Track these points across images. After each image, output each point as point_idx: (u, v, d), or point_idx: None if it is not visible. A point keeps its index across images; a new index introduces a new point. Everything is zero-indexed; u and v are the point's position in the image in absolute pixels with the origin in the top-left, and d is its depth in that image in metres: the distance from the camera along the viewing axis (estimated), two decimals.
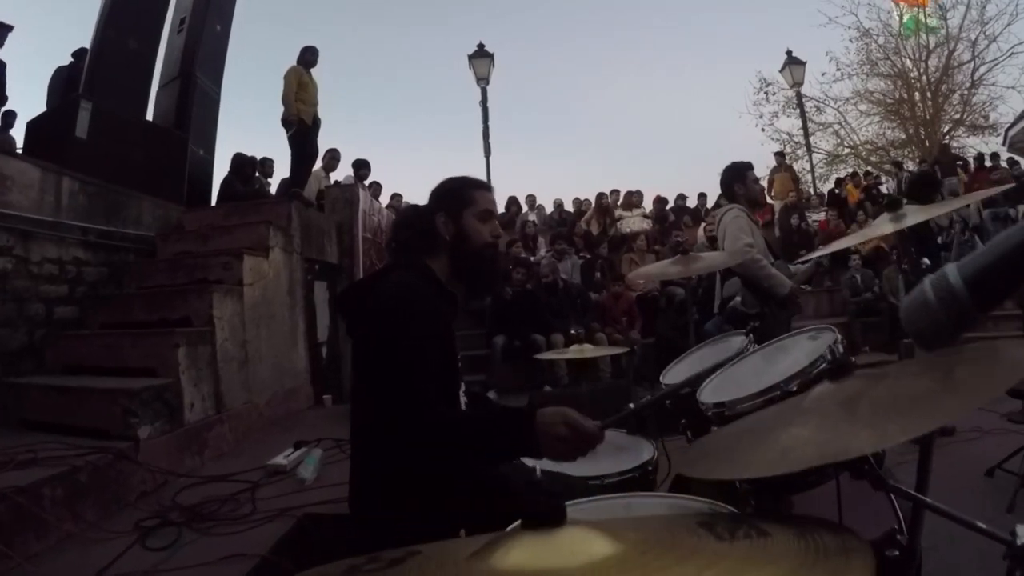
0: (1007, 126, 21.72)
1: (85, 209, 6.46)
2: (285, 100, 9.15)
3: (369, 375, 2.10)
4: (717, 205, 14.51)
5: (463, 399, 2.39)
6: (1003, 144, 21.45)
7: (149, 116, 8.90)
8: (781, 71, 19.26)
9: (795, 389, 2.12)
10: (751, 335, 3.33)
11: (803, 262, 5.44)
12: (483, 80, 16.75)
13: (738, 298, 3.48)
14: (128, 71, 8.17)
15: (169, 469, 4.63)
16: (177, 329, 5.28)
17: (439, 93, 53.21)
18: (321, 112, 9.58)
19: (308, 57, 9.53)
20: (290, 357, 7.17)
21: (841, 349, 2.27)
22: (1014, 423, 6.01)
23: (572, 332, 8.62)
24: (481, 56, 16.73)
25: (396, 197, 13.66)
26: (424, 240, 2.33)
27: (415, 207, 2.52)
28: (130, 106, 8.10)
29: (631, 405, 3.11)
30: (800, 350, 2.57)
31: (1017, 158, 16.68)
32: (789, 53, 18.62)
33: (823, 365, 2.16)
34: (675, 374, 3.40)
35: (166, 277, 6.43)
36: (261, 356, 6.36)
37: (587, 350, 4.16)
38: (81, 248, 6.34)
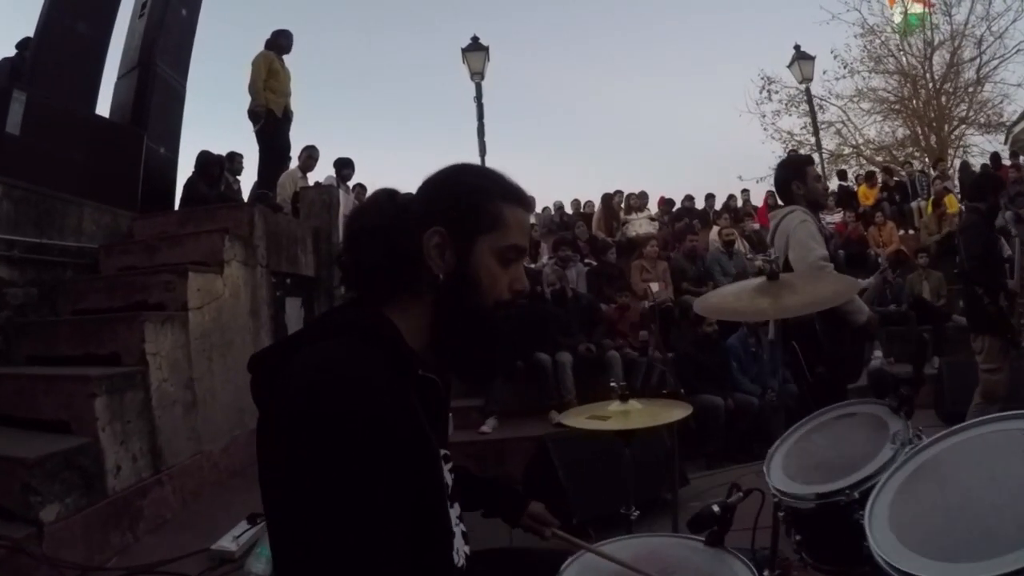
0: (1010, 124, 22.06)
1: (10, 218, 5.43)
2: (252, 88, 8.47)
3: (287, 523, 1.19)
4: (770, 206, 14.11)
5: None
6: (1005, 143, 21.95)
7: (104, 111, 8.02)
8: (789, 66, 18.73)
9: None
10: (904, 411, 2.30)
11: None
12: (478, 75, 16.02)
13: (878, 353, 2.45)
14: (76, 59, 7.24)
15: (81, 563, 3.52)
16: (93, 373, 4.12)
17: (431, 89, 52.80)
18: (297, 106, 8.76)
19: (281, 42, 8.84)
20: None
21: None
22: None
23: (582, 348, 8.00)
24: (475, 49, 16.02)
25: (359, 188, 11.60)
26: (397, 271, 1.41)
27: (389, 197, 1.52)
28: (76, 98, 7.14)
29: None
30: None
31: None
32: (798, 48, 18.13)
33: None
34: (789, 468, 2.38)
35: (102, 299, 5.34)
36: (215, 395, 5.27)
37: (635, 414, 2.93)
38: (4, 265, 5.30)
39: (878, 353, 2.94)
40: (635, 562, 1.80)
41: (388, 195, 1.49)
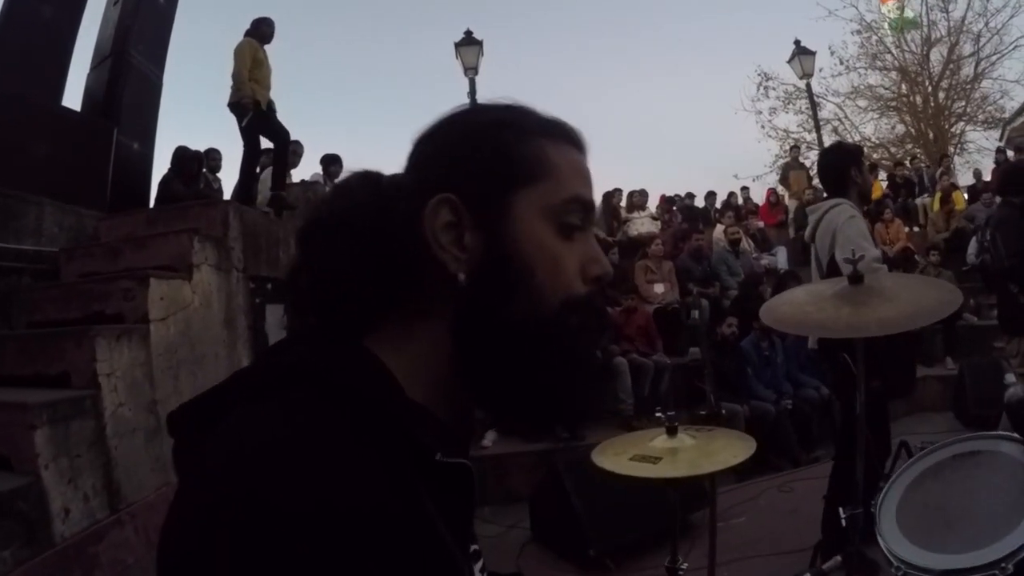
0: (1006, 121, 22.39)
1: None
2: (237, 78, 7.82)
3: None
4: (771, 204, 13.94)
5: None
6: (1000, 140, 22.22)
7: (74, 103, 7.60)
8: (789, 62, 18.41)
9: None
10: None
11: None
12: (471, 70, 15.58)
13: (1011, 376, 1.95)
14: (39, 46, 6.78)
15: None
16: (31, 401, 3.50)
17: (423, 85, 52.77)
18: (281, 102, 8.43)
19: (263, 29, 8.24)
20: None
21: None
22: None
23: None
24: (469, 44, 15.58)
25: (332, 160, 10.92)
26: (385, 283, 0.81)
27: (365, 178, 0.88)
28: (38, 89, 6.70)
29: None
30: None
31: None
32: (798, 43, 17.85)
33: None
34: (907, 527, 1.84)
35: (58, 309, 4.77)
36: None
37: (687, 453, 2.31)
38: None
39: (1011, 377, 2.38)
40: None
41: (364, 176, 0.90)
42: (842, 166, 4.06)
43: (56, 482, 3.45)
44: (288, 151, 8.91)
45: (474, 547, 0.94)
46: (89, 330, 4.08)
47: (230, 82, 7.91)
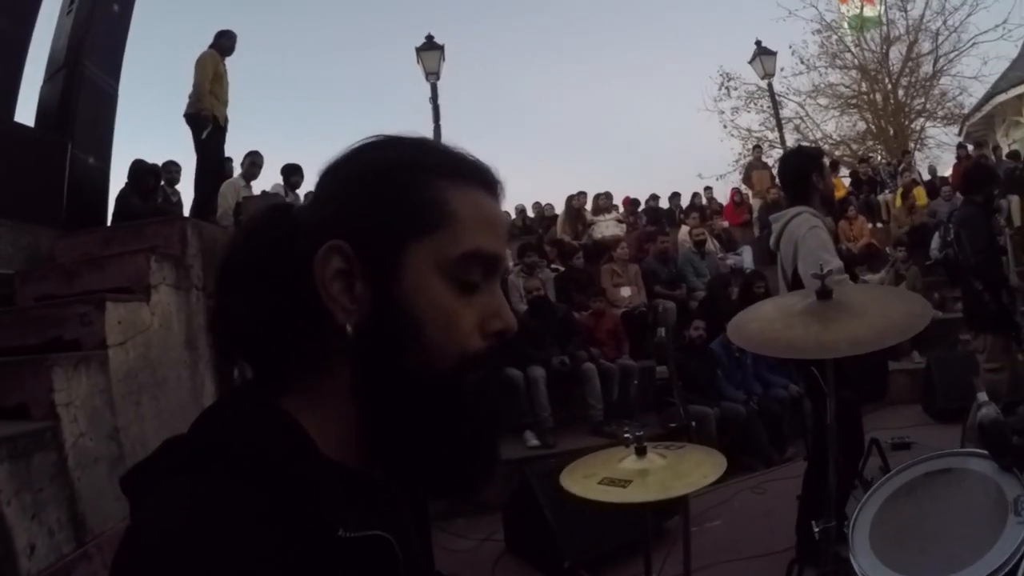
0: (964, 117, 23.03)
1: None
2: (198, 90, 7.87)
3: None
4: (736, 203, 14.25)
5: None
6: (959, 134, 22.76)
7: (26, 117, 7.34)
8: (751, 62, 18.82)
9: None
10: (1019, 468, 1.78)
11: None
12: (433, 75, 15.71)
13: (983, 395, 1.94)
14: None
15: None
16: None
17: (384, 91, 52.63)
18: (239, 111, 8.34)
19: (223, 43, 8.27)
20: None
21: None
22: None
23: (556, 362, 7.51)
24: (430, 48, 15.71)
25: (310, 196, 11.16)
26: (283, 333, 0.79)
27: (275, 210, 0.87)
28: None
29: None
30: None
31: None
32: (759, 43, 18.26)
33: None
34: (882, 549, 1.83)
35: (12, 335, 4.56)
36: (146, 444, 4.51)
37: (656, 475, 2.26)
38: None
39: (983, 396, 2.34)
40: None
41: (274, 209, 0.88)
42: (804, 171, 4.01)
43: (19, 518, 3.34)
44: (222, 175, 8.88)
45: None
46: (45, 359, 3.95)
47: (187, 92, 7.85)
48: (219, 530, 0.64)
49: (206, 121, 7.89)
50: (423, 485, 0.84)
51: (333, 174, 0.84)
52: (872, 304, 2.33)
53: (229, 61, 8.50)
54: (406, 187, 0.79)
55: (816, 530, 2.23)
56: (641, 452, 2.35)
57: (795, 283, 3.76)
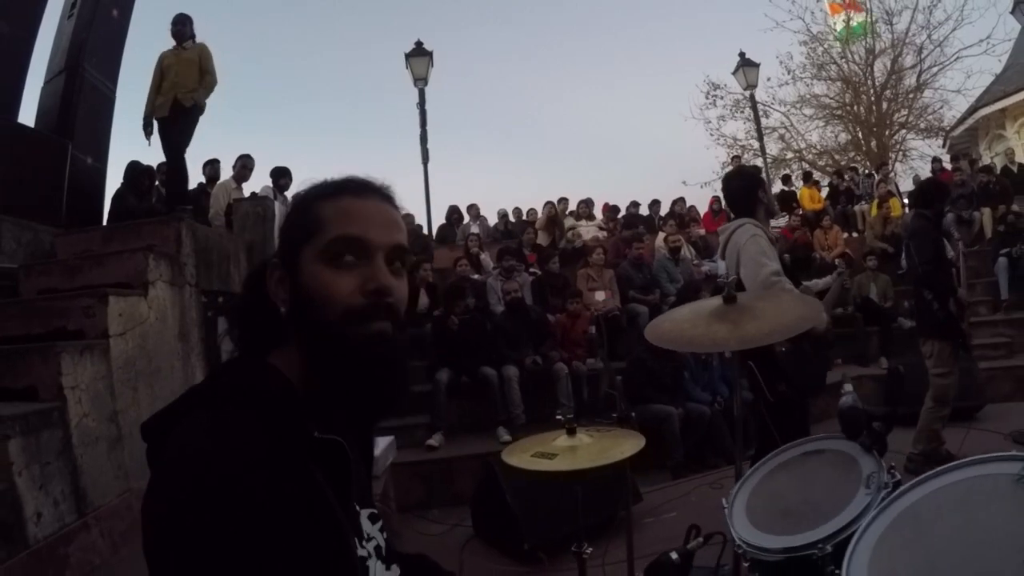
0: (947, 130, 23.84)
1: None
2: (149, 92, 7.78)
3: None
4: (714, 211, 14.56)
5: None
6: (943, 147, 23.29)
7: (29, 119, 7.66)
8: (734, 73, 19.13)
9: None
10: (876, 450, 2.16)
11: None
12: (421, 80, 15.89)
13: (848, 386, 2.30)
14: None
15: None
16: (5, 414, 3.77)
17: (373, 96, 52.57)
18: (233, 114, 8.32)
19: (175, 28, 8.00)
20: None
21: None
22: (1018, 443, 5.98)
23: (528, 362, 7.84)
24: (419, 55, 15.91)
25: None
26: (254, 322, 1.24)
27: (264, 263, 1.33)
28: None
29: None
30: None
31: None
32: (742, 55, 18.58)
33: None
34: (753, 514, 2.21)
35: (19, 325, 4.93)
36: None
37: (583, 451, 2.68)
38: None
39: (848, 387, 2.71)
40: None
41: (263, 262, 1.33)
42: (750, 188, 4.36)
43: (29, 488, 3.73)
44: (179, 159, 8.22)
45: (371, 511, 1.29)
46: (55, 346, 4.33)
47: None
48: (231, 443, 0.99)
49: (148, 127, 7.76)
50: (347, 403, 1.19)
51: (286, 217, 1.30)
52: (770, 308, 2.74)
53: (213, 42, 8.20)
54: (299, 213, 1.21)
55: (724, 507, 2.52)
56: (571, 432, 2.75)
57: (738, 288, 4.08)
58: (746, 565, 2.11)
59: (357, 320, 1.13)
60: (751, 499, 2.29)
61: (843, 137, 25.64)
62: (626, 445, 2.68)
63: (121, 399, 4.76)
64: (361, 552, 1.20)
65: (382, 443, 4.99)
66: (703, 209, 15.54)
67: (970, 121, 23.14)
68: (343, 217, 1.17)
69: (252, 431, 1.02)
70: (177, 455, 1.01)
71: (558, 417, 2.95)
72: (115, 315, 4.87)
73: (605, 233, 13.20)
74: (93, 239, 6.57)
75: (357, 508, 1.22)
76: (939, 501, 1.70)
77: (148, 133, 7.69)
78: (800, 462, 2.38)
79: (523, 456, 2.67)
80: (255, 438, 1.01)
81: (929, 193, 5.95)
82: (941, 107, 24.34)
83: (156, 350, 5.41)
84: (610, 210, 14.77)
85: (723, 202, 14.66)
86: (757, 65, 18.73)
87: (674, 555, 2.13)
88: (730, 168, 18.35)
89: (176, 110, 7.67)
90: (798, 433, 2.69)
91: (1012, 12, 17.28)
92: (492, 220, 15.23)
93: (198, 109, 7.85)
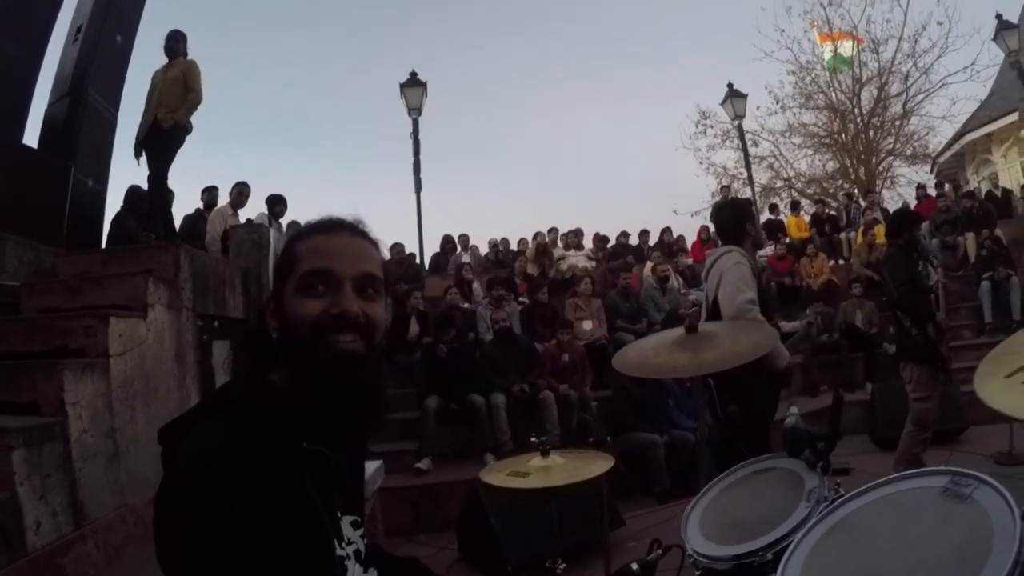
0: (935, 155, 24.18)
1: None
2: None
3: None
4: (703, 240, 14.63)
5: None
6: (930, 172, 24.03)
7: (32, 138, 7.82)
8: (722, 104, 19.38)
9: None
10: (821, 466, 2.34)
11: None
12: (415, 111, 16.03)
13: (793, 409, 2.49)
14: (2, 81, 7.12)
15: None
16: (11, 425, 3.95)
17: (368, 125, 52.85)
18: (228, 139, 8.43)
19: (167, 45, 7.82)
20: None
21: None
22: (1001, 464, 6.10)
23: (515, 389, 7.99)
24: (413, 85, 16.08)
25: (293, 225, 10.83)
26: (256, 348, 1.44)
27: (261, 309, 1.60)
28: (1, 126, 7.01)
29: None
30: (945, 522, 1.73)
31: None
32: (730, 86, 18.79)
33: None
34: (706, 527, 2.40)
35: (22, 342, 5.08)
36: (138, 445, 5.07)
37: (555, 468, 2.94)
38: None
39: (794, 409, 2.92)
40: None
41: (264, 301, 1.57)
42: (739, 220, 4.58)
43: (29, 498, 3.88)
44: (161, 186, 7.92)
45: (353, 518, 1.48)
46: (58, 363, 4.50)
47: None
48: (232, 450, 1.17)
49: (137, 145, 7.52)
50: (325, 415, 1.35)
51: None
52: (728, 336, 2.98)
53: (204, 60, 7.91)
54: (283, 253, 1.41)
55: (684, 518, 2.69)
56: (545, 453, 2.98)
57: (714, 308, 4.34)
58: (697, 573, 2.27)
59: (322, 333, 1.31)
60: (705, 514, 2.47)
61: (831, 165, 25.77)
62: (596, 465, 2.91)
63: (119, 417, 4.92)
64: (340, 553, 1.37)
65: (370, 467, 5.08)
66: (691, 238, 15.66)
67: (957, 146, 23.57)
68: (313, 253, 1.36)
69: (251, 441, 1.21)
70: (187, 460, 1.19)
71: (532, 439, 3.18)
72: (115, 336, 5.03)
73: (594, 263, 13.35)
74: (93, 261, 6.70)
75: (339, 514, 1.39)
76: (871, 512, 1.87)
77: (137, 153, 7.58)
78: (752, 479, 2.56)
79: (499, 475, 2.90)
80: (253, 447, 1.20)
81: (899, 222, 6.10)
82: (927, 133, 24.61)
83: (153, 371, 5.56)
84: (600, 240, 14.95)
85: (711, 231, 14.93)
86: (745, 96, 18.97)
87: (635, 566, 2.30)
88: (719, 198, 18.49)
89: (155, 130, 7.49)
90: (760, 452, 2.85)
91: (994, 39, 17.44)
92: (484, 249, 15.33)
93: (181, 130, 7.63)
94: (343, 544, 1.40)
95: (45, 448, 4.10)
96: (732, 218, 4.66)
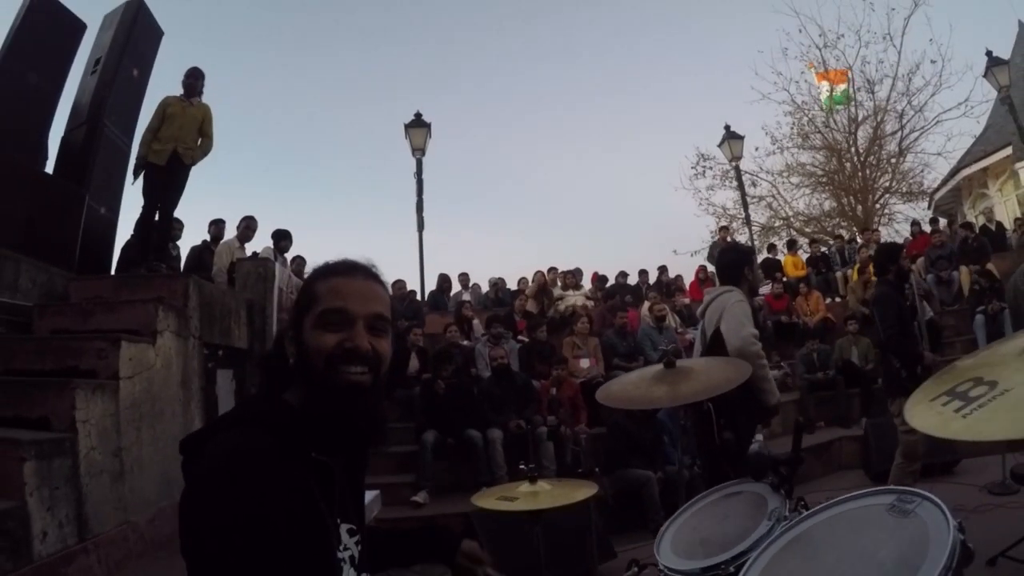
0: (931, 191, 24.42)
1: None
2: (144, 135, 7.91)
3: None
4: (700, 280, 14.65)
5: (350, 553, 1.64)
6: (928, 208, 24.27)
7: (48, 165, 8.02)
8: (720, 146, 19.64)
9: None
10: (784, 489, 2.51)
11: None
12: (419, 151, 16.20)
13: (759, 437, 2.68)
14: (24, 110, 7.37)
15: None
16: (24, 437, 4.14)
17: (372, 164, 53.34)
18: (235, 175, 8.59)
19: (187, 81, 8.21)
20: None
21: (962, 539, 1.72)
22: (995, 495, 6.01)
23: (512, 425, 8.11)
24: (418, 126, 16.28)
25: (298, 260, 11.78)
26: (275, 374, 1.63)
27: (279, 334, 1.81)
28: (20, 151, 7.21)
29: None
30: (888, 534, 1.91)
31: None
32: (728, 128, 19.06)
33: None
34: (676, 545, 2.59)
35: (33, 360, 5.28)
36: (143, 465, 5.25)
37: (542, 493, 3.19)
38: None
39: (759, 438, 3.12)
40: None
41: (280, 336, 1.74)
42: (739, 264, 4.81)
43: (38, 508, 4.04)
44: (168, 222, 8.57)
45: (350, 526, 1.65)
46: (71, 382, 4.67)
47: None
48: (251, 457, 1.34)
49: (138, 167, 7.83)
50: (331, 432, 1.55)
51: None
52: (702, 372, 3.24)
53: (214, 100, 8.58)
54: (303, 290, 1.60)
55: (659, 535, 2.87)
56: (533, 480, 3.21)
57: (713, 341, 4.54)
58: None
59: (336, 363, 1.50)
60: (677, 533, 2.67)
61: (828, 204, 25.91)
62: (580, 491, 3.16)
63: (125, 437, 5.08)
64: (339, 556, 1.57)
65: (368, 495, 5.23)
66: (689, 277, 15.77)
67: (953, 182, 23.88)
68: (331, 293, 1.55)
69: (270, 449, 1.40)
70: (212, 463, 1.37)
71: (521, 467, 3.40)
72: (126, 359, 5.21)
73: (592, 302, 13.47)
74: (105, 286, 6.90)
75: (338, 520, 1.58)
76: (824, 528, 2.05)
77: (137, 174, 7.82)
78: (721, 501, 2.77)
79: (490, 499, 3.21)
80: (272, 455, 1.39)
81: (884, 256, 6.21)
82: (922, 170, 24.72)
83: (160, 395, 5.73)
84: (598, 280, 15.12)
85: (708, 270, 15.04)
86: (742, 137, 19.22)
87: None
88: (718, 238, 18.61)
89: (174, 163, 7.78)
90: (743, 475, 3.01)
91: (984, 76, 17.69)
92: (484, 287, 15.46)
93: (190, 167, 8.05)
94: (341, 549, 1.58)
95: (55, 462, 4.26)
96: (734, 261, 4.88)
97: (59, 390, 4.62)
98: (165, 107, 7.93)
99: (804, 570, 1.94)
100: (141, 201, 7.94)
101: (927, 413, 1.73)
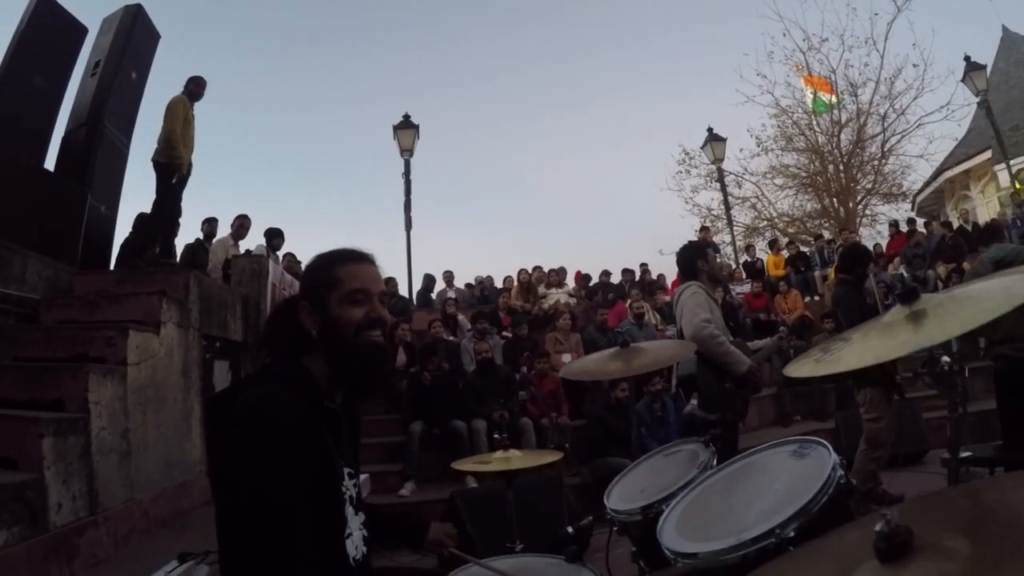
0: (914, 193, 24.68)
1: None
2: (171, 137, 7.99)
3: (230, 519, 1.76)
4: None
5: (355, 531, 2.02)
6: (912, 210, 24.20)
7: (50, 164, 8.30)
8: (703, 147, 20.14)
9: (793, 535, 1.85)
10: (712, 445, 2.93)
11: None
12: (407, 152, 16.53)
13: (693, 402, 3.07)
14: (29, 110, 7.65)
15: None
16: (43, 416, 4.53)
17: (360, 165, 53.44)
18: (225, 175, 8.95)
19: (193, 88, 8.48)
20: (183, 446, 6.33)
21: (842, 475, 2.02)
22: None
23: (496, 416, 8.43)
24: (406, 127, 16.60)
25: (289, 257, 12.11)
26: (291, 340, 1.98)
27: (285, 299, 2.19)
28: (25, 150, 7.52)
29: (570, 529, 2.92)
30: (786, 472, 2.26)
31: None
32: (710, 130, 19.51)
33: (824, 499, 1.92)
34: (622, 494, 2.98)
35: (43, 348, 5.68)
36: (147, 446, 5.61)
37: (513, 458, 3.68)
38: None
39: (693, 402, 3.54)
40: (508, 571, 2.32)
41: (284, 300, 2.15)
42: (691, 258, 5.19)
43: (54, 481, 4.41)
44: (175, 228, 9.01)
45: (349, 470, 2.02)
46: (85, 366, 5.06)
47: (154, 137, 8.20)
48: (281, 403, 1.74)
49: (177, 169, 8.09)
50: (356, 387, 2.00)
51: (304, 271, 2.10)
52: (651, 350, 3.69)
53: (198, 106, 8.57)
54: (323, 271, 1.97)
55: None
56: (506, 448, 3.72)
57: (682, 334, 4.95)
58: (615, 528, 2.81)
59: (363, 330, 1.92)
60: (623, 485, 3.06)
61: (811, 205, 26.02)
62: (547, 457, 3.75)
63: (132, 419, 5.44)
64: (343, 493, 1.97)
65: (360, 478, 5.57)
66: (672, 276, 15.64)
67: (936, 184, 24.35)
68: (353, 277, 1.95)
69: (293, 397, 1.78)
70: (251, 410, 1.73)
71: (495, 436, 3.83)
72: (133, 347, 5.58)
73: (575, 300, 13.77)
74: (108, 280, 7.26)
75: (342, 463, 1.96)
76: (738, 472, 2.46)
77: (172, 175, 8.16)
78: (663, 458, 3.18)
79: (468, 464, 3.78)
80: (294, 401, 1.77)
81: (850, 258, 6.47)
82: (901, 172, 24.88)
83: (163, 382, 6.08)
84: (582, 278, 15.39)
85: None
86: (724, 140, 19.61)
87: (570, 529, 2.87)
88: (700, 238, 18.80)
89: (189, 168, 8.35)
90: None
91: (963, 81, 18.08)
92: (466, 286, 15.67)
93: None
94: (343, 488, 1.96)
95: (70, 439, 4.63)
96: (687, 257, 5.25)
97: (73, 374, 4.98)
98: (185, 112, 8.21)
99: (718, 502, 2.31)
100: (149, 200, 8.21)
101: (796, 366, 2.07)
